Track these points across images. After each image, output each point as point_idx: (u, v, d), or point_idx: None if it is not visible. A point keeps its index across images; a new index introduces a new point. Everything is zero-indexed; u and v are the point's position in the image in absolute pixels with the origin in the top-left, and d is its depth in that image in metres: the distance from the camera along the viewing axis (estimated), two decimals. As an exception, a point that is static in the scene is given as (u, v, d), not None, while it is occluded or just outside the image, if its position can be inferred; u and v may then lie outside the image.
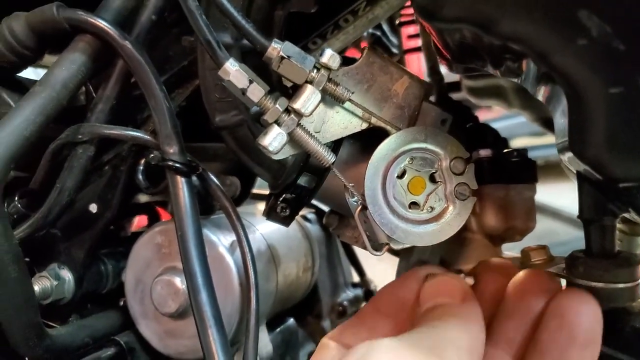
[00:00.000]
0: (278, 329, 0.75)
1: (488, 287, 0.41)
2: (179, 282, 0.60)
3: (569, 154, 0.34)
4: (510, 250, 0.60)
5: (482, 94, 0.80)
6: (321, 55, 0.39)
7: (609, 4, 0.27)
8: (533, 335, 0.37)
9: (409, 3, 0.60)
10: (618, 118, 0.29)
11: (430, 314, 0.37)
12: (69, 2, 0.52)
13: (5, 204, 0.55)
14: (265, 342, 0.67)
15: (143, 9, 0.53)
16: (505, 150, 0.58)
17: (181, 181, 0.49)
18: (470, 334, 0.35)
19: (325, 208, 0.63)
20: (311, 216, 0.90)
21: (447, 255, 0.60)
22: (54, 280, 0.58)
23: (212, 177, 0.54)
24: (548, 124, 0.78)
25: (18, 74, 0.58)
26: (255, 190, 0.83)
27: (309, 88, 0.39)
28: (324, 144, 0.42)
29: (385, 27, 0.96)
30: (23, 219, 0.55)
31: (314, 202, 0.61)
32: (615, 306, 0.39)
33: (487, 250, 0.57)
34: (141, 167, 0.60)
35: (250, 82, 0.39)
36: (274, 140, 0.39)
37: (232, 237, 0.61)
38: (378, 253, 0.43)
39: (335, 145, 0.48)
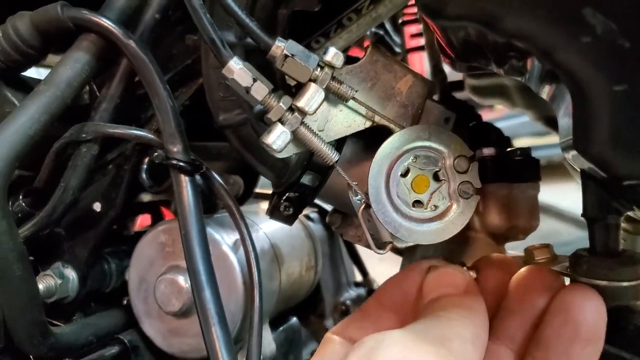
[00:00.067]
0: (281, 328, 0.75)
1: (489, 283, 0.40)
2: (183, 280, 0.60)
3: (573, 152, 0.34)
4: (514, 249, 0.60)
5: (485, 93, 0.80)
6: (325, 53, 0.39)
7: (613, 1, 0.27)
8: (535, 331, 0.37)
9: (412, 2, 0.60)
10: (622, 115, 0.29)
11: (433, 305, 0.37)
12: (73, 2, 0.52)
13: (10, 203, 0.56)
14: (269, 340, 0.67)
15: (147, 7, 0.53)
16: (509, 149, 0.58)
17: (185, 180, 0.49)
18: (475, 325, 0.35)
19: (328, 207, 0.63)
20: (314, 215, 0.90)
21: (450, 254, 0.60)
22: (58, 279, 0.58)
23: (216, 176, 0.54)
24: (551, 123, 0.78)
25: (22, 73, 0.58)
26: (258, 190, 0.84)
27: (313, 86, 0.39)
28: (328, 143, 0.42)
29: (388, 26, 0.96)
30: (27, 218, 0.55)
31: (317, 201, 0.61)
32: (619, 304, 0.39)
33: (490, 249, 0.57)
34: (145, 166, 0.60)
35: (254, 80, 0.39)
36: (277, 139, 0.39)
37: (235, 236, 0.61)
38: (381, 251, 0.43)
39: (338, 144, 0.48)
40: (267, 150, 0.40)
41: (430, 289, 0.39)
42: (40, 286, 0.56)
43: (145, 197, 0.73)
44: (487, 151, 0.55)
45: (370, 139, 0.47)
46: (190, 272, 0.47)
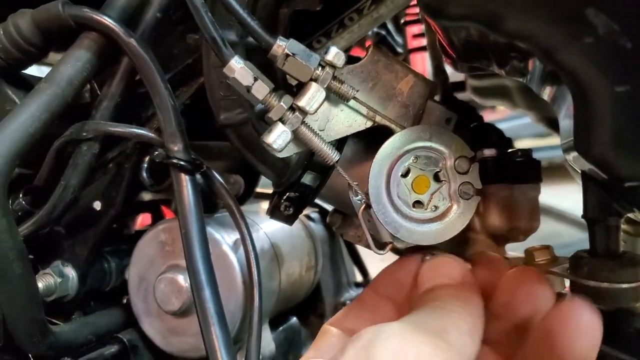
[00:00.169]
0: (281, 328, 0.75)
1: (478, 280, 0.40)
2: (183, 279, 0.60)
3: (574, 154, 0.34)
4: (515, 250, 0.60)
5: (487, 94, 0.80)
6: (326, 53, 0.39)
7: (616, 1, 0.27)
8: (524, 342, 0.37)
9: (414, 2, 0.60)
10: (624, 116, 0.29)
11: (430, 296, 0.37)
12: (74, 0, 0.52)
13: (10, 201, 0.56)
14: (268, 340, 0.67)
15: (148, 6, 0.53)
16: (510, 150, 0.57)
17: (185, 179, 0.49)
18: (472, 316, 0.35)
19: (329, 207, 0.63)
20: (315, 215, 0.90)
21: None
22: (58, 278, 0.58)
23: (216, 175, 0.54)
24: (553, 124, 0.78)
25: (23, 71, 0.58)
26: (259, 189, 0.83)
27: (314, 86, 0.39)
28: (328, 142, 0.42)
29: (390, 26, 0.96)
30: (27, 216, 0.55)
31: (317, 201, 0.61)
32: (619, 307, 0.39)
33: (490, 250, 0.57)
34: (145, 165, 0.60)
35: (255, 79, 0.39)
36: (278, 138, 0.39)
37: (235, 236, 0.61)
38: (381, 252, 0.43)
39: (339, 144, 0.48)
40: (268, 149, 0.40)
41: (426, 278, 0.39)
42: (40, 285, 0.56)
43: (146, 196, 0.73)
44: (488, 152, 0.55)
45: (371, 139, 0.47)
46: (190, 272, 0.47)
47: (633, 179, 0.31)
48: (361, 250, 1.01)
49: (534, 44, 0.29)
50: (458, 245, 0.58)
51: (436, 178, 0.43)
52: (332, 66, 0.39)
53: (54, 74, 0.50)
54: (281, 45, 0.39)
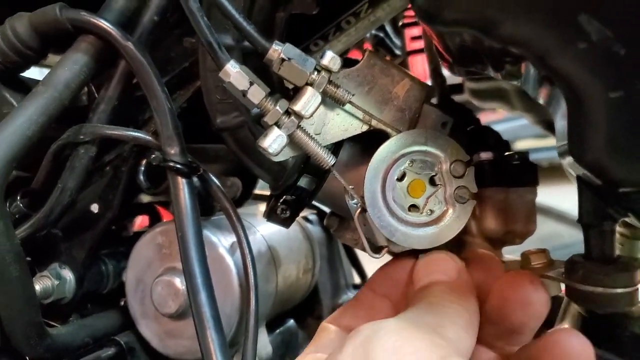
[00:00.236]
0: (278, 330, 0.75)
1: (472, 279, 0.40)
2: (179, 282, 0.60)
3: (569, 158, 0.34)
4: (512, 252, 0.60)
5: (484, 97, 0.80)
6: (322, 57, 0.39)
7: (609, 8, 0.27)
8: (517, 341, 0.37)
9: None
10: (618, 122, 0.29)
11: (425, 292, 0.38)
12: (71, 3, 0.52)
13: (7, 204, 0.56)
14: (265, 343, 0.67)
15: (145, 9, 0.53)
16: (507, 153, 0.57)
17: (182, 182, 0.49)
18: (467, 312, 0.35)
19: (327, 209, 0.63)
20: (313, 217, 0.90)
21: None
22: (55, 280, 0.58)
23: (213, 178, 0.54)
24: (550, 127, 0.78)
25: (21, 74, 0.58)
26: (257, 191, 0.83)
27: (310, 90, 0.39)
28: (324, 146, 0.42)
29: (388, 28, 0.96)
30: (25, 219, 0.55)
31: (315, 203, 0.61)
32: (615, 311, 0.39)
33: (487, 254, 0.57)
34: (142, 168, 0.60)
35: (251, 84, 0.39)
36: (273, 142, 0.39)
37: (232, 238, 0.61)
38: (377, 256, 0.43)
39: (335, 147, 0.48)
40: (264, 153, 0.40)
41: (421, 275, 0.40)
42: (37, 287, 0.56)
43: (145, 198, 0.73)
44: (485, 155, 0.55)
45: (367, 143, 0.47)
46: (186, 275, 0.47)
47: (627, 185, 0.32)
48: (359, 252, 1.01)
49: (528, 50, 0.29)
50: (454, 248, 0.58)
51: (432, 182, 0.43)
52: (328, 71, 0.39)
53: (51, 77, 0.50)
54: (277, 50, 0.39)
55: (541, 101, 0.38)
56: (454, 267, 0.39)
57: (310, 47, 0.59)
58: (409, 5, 0.58)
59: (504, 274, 0.39)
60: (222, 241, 0.61)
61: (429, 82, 0.78)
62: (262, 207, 0.79)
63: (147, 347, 0.64)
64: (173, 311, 0.60)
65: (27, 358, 0.52)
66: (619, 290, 0.37)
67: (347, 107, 0.43)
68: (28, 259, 0.52)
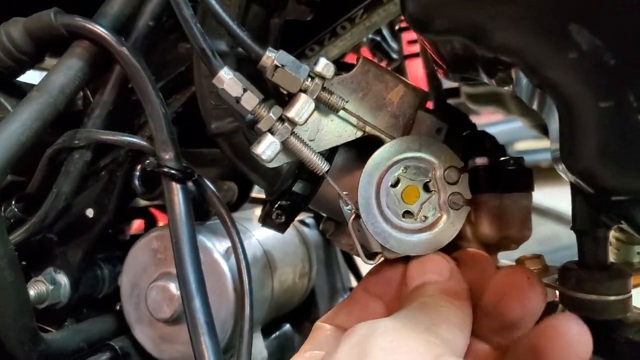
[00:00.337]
0: (274, 335, 0.75)
1: (465, 277, 0.40)
2: (174, 288, 0.60)
3: (562, 165, 0.34)
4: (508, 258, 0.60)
5: (480, 101, 0.80)
6: (315, 64, 0.39)
7: (599, 18, 0.27)
8: (513, 336, 0.37)
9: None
10: (609, 132, 0.29)
11: (419, 292, 0.38)
12: (67, 8, 0.52)
13: (3, 208, 0.56)
14: (260, 348, 0.67)
15: (140, 15, 0.53)
16: (502, 159, 0.57)
17: (176, 187, 0.49)
18: (461, 311, 0.36)
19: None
20: (309, 221, 0.90)
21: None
22: (50, 285, 0.58)
23: (208, 183, 0.54)
24: (547, 131, 0.78)
25: (17, 79, 0.58)
26: (254, 194, 0.83)
27: (303, 97, 0.39)
28: (318, 153, 0.42)
29: (385, 32, 0.96)
30: (20, 223, 0.55)
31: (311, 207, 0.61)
32: (608, 318, 0.39)
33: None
34: (137, 173, 0.60)
35: (245, 90, 0.39)
36: (267, 149, 0.39)
37: (227, 243, 0.61)
38: (371, 262, 0.43)
39: (330, 153, 0.48)
40: (258, 159, 0.40)
41: (414, 275, 0.40)
42: (32, 292, 0.56)
43: (141, 202, 0.73)
44: (480, 161, 0.55)
45: (361, 149, 0.47)
46: (180, 281, 0.47)
47: (619, 193, 0.32)
48: (356, 255, 1.01)
49: (519, 59, 0.30)
50: (448, 253, 0.58)
51: (426, 188, 0.43)
52: (322, 77, 0.39)
53: (46, 83, 0.50)
54: (270, 57, 0.39)
55: (534, 107, 0.38)
56: (447, 267, 0.40)
57: (306, 52, 0.59)
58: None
59: (501, 270, 0.39)
60: (217, 246, 0.61)
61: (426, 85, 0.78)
62: (258, 211, 0.79)
63: (142, 351, 0.64)
64: (168, 316, 0.60)
65: (22, 363, 0.52)
66: (613, 298, 0.38)
67: (341, 113, 0.43)
68: (23, 263, 0.51)
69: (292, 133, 0.40)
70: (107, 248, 0.67)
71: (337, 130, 0.44)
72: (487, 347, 0.38)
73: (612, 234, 0.64)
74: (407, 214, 0.43)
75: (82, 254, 0.60)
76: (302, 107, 0.39)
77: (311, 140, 0.43)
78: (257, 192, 0.84)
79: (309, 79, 0.39)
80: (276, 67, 0.39)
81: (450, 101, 0.83)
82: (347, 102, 0.42)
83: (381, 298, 0.42)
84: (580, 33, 0.27)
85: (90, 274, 0.63)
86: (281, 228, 0.53)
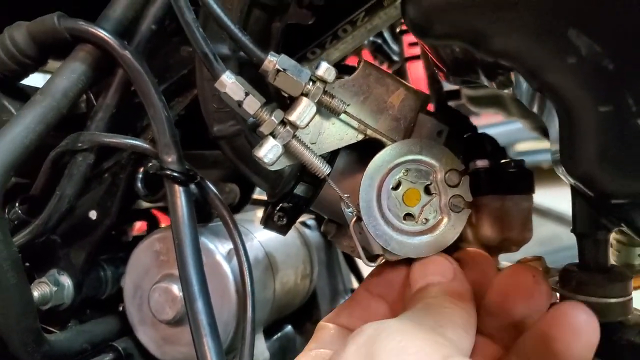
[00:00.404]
0: (276, 336, 0.76)
1: (468, 277, 0.41)
2: (177, 289, 0.60)
3: (562, 168, 0.34)
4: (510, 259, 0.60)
5: (481, 103, 0.80)
6: (317, 68, 0.40)
7: (597, 22, 0.27)
8: (519, 333, 0.37)
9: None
10: (608, 136, 0.29)
11: (423, 293, 0.38)
12: (70, 12, 0.52)
13: (6, 210, 0.56)
14: (262, 349, 0.67)
15: (143, 18, 0.53)
16: (503, 161, 0.57)
17: (179, 190, 0.49)
18: (466, 312, 0.36)
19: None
20: (311, 222, 0.90)
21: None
22: (54, 286, 0.59)
23: (210, 185, 0.55)
24: (547, 133, 0.78)
25: (21, 82, 0.58)
26: (256, 196, 0.84)
27: (305, 100, 0.39)
28: (320, 156, 0.42)
29: (386, 34, 0.96)
30: (23, 225, 0.56)
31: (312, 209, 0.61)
32: (609, 321, 0.39)
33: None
34: (140, 175, 0.60)
35: (247, 94, 0.40)
36: (269, 152, 0.40)
37: (229, 245, 0.61)
38: (372, 264, 0.43)
39: (331, 156, 0.48)
40: (260, 162, 0.40)
41: (418, 277, 0.40)
42: (35, 293, 0.57)
43: (143, 204, 0.74)
44: (481, 163, 0.55)
45: (363, 151, 0.47)
46: (183, 282, 0.47)
47: (619, 197, 0.32)
48: (358, 257, 1.01)
49: (518, 63, 0.30)
50: (450, 255, 0.58)
51: (427, 191, 0.43)
52: (323, 81, 0.40)
53: (49, 86, 0.50)
54: (272, 61, 0.39)
55: (534, 110, 0.38)
56: (450, 269, 0.40)
57: (307, 55, 0.59)
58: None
59: (506, 269, 0.39)
60: (219, 248, 0.61)
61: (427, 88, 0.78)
62: (260, 212, 0.80)
63: (144, 353, 0.64)
64: (170, 318, 0.60)
65: (25, 364, 0.52)
66: (613, 300, 0.38)
67: (343, 116, 0.43)
68: (26, 265, 0.52)
69: (294, 136, 0.40)
70: (110, 250, 0.67)
71: (338, 134, 0.44)
72: (492, 343, 0.38)
73: (613, 236, 0.64)
74: (408, 216, 0.43)
75: (85, 255, 0.60)
76: (303, 111, 0.39)
77: (313, 144, 0.43)
78: (259, 194, 0.85)
79: (311, 83, 0.39)
80: (278, 71, 0.39)
81: (451, 103, 0.83)
82: (348, 105, 0.42)
83: (383, 298, 0.42)
84: (579, 38, 0.27)
85: (93, 276, 0.64)
86: (283, 230, 0.54)
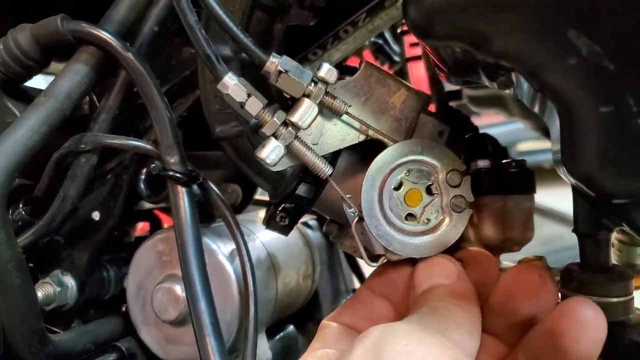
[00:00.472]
0: (278, 336, 0.76)
1: (471, 276, 0.41)
2: (180, 289, 0.60)
3: (563, 169, 0.34)
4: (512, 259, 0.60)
5: (482, 103, 0.80)
6: (319, 69, 0.40)
7: (598, 23, 0.27)
8: (525, 331, 0.37)
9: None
10: (609, 136, 0.29)
11: (428, 296, 0.38)
12: (73, 14, 0.53)
13: (10, 211, 0.56)
14: (265, 349, 0.68)
15: (145, 20, 0.54)
16: (504, 161, 0.58)
17: (182, 191, 0.50)
18: (471, 314, 0.36)
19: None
20: (313, 223, 0.90)
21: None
22: (57, 287, 0.59)
23: (213, 186, 0.55)
24: (549, 134, 0.78)
25: (24, 84, 0.59)
26: (258, 197, 0.84)
27: (307, 101, 0.40)
28: (322, 156, 0.42)
29: (387, 35, 0.96)
30: (27, 226, 0.56)
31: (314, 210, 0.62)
32: (611, 320, 0.39)
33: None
34: (143, 176, 0.60)
35: (249, 95, 0.40)
36: (271, 153, 0.40)
37: (232, 246, 0.61)
38: (374, 264, 0.44)
39: (333, 157, 0.48)
40: (262, 163, 0.41)
41: (422, 279, 0.40)
42: (39, 294, 0.57)
43: (146, 205, 0.74)
44: (482, 163, 0.55)
45: (364, 152, 0.47)
46: (186, 283, 0.47)
47: (620, 197, 0.32)
48: (360, 257, 1.01)
49: (519, 64, 0.30)
50: (452, 255, 0.58)
51: (428, 191, 0.43)
52: (325, 82, 0.40)
53: (52, 88, 0.51)
54: (274, 62, 0.39)
55: (535, 110, 0.38)
56: (454, 270, 0.40)
57: (309, 56, 0.60)
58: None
59: (512, 268, 0.39)
60: (221, 248, 0.62)
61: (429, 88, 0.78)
62: (262, 213, 0.80)
63: (148, 352, 0.64)
64: (173, 318, 0.61)
65: (29, 364, 0.52)
66: (614, 300, 0.38)
67: (344, 117, 0.43)
68: (30, 265, 0.52)
69: (296, 137, 0.40)
70: (113, 250, 0.67)
71: (340, 134, 0.44)
72: (499, 342, 0.38)
73: (615, 236, 0.64)
74: (410, 216, 0.43)
75: (88, 256, 0.61)
76: (305, 112, 0.40)
77: (315, 144, 0.43)
78: (261, 195, 0.85)
79: (312, 84, 0.40)
80: (280, 72, 0.39)
81: (452, 104, 0.84)
82: (350, 106, 0.42)
83: (386, 297, 0.42)
84: (579, 39, 0.27)
85: (96, 276, 0.64)
86: (285, 230, 0.54)
